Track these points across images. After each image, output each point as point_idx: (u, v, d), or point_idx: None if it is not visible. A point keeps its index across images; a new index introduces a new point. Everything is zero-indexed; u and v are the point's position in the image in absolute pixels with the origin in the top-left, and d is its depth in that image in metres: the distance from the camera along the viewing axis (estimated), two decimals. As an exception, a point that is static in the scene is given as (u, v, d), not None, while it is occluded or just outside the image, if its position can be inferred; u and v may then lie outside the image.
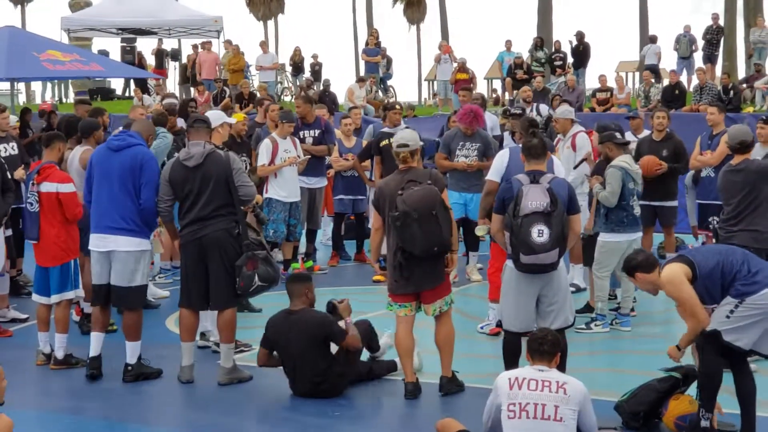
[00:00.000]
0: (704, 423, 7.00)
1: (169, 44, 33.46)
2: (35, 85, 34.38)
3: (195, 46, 30.64)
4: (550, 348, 6.40)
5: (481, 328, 10.42)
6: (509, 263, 7.91)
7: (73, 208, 9.24)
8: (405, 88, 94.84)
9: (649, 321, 11.02)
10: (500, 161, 9.86)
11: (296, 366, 8.38)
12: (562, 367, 6.98)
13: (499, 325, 8.85)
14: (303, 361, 8.32)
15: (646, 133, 13.63)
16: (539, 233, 7.54)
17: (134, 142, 8.80)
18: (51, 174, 9.30)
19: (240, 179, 8.67)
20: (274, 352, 8.53)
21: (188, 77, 29.75)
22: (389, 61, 30.61)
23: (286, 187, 12.84)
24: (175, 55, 33.90)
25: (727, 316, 6.89)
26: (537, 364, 6.41)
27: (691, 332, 7.08)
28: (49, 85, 31.55)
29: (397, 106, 14.44)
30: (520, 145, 8.66)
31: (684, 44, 27.57)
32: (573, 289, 10.00)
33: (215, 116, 9.52)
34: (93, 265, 8.91)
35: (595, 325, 10.36)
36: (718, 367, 7.04)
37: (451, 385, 8.41)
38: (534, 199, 7.60)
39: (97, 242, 8.81)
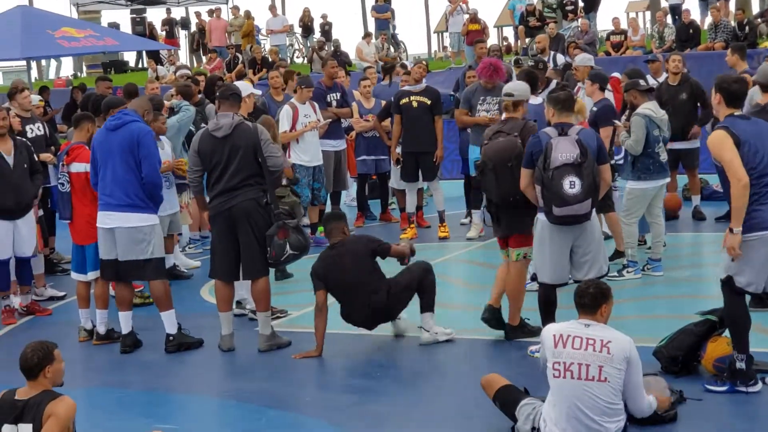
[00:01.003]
0: (739, 365, 7.03)
1: (177, 13, 33.43)
2: (53, 73, 34.35)
3: (198, 14, 30.56)
4: (591, 301, 6.28)
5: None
6: (540, 216, 7.95)
7: None
8: (413, 41, 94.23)
9: (679, 265, 11.06)
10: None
11: (352, 292, 8.60)
12: None
13: (534, 278, 8.89)
14: (359, 284, 8.55)
15: (665, 76, 13.61)
16: (571, 185, 7.56)
17: (129, 119, 8.83)
18: (80, 154, 9.38)
19: (268, 150, 8.73)
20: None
21: (198, 46, 29.68)
22: (392, 14, 30.51)
23: (308, 152, 12.88)
24: (185, 23, 33.87)
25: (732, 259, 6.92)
26: (582, 317, 6.35)
27: (735, 198, 6.83)
28: (61, 60, 31.54)
29: (420, 64, 14.31)
30: (540, 99, 8.77)
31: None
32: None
33: (241, 87, 9.59)
34: (100, 241, 8.99)
35: (627, 272, 10.40)
36: (740, 309, 7.06)
37: (516, 333, 8.62)
38: (564, 151, 7.62)
39: (104, 219, 8.88)
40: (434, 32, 57.11)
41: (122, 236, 8.81)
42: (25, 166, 10.29)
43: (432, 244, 13.12)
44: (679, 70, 13.02)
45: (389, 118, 13.81)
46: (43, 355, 5.68)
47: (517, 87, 8.78)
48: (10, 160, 10.16)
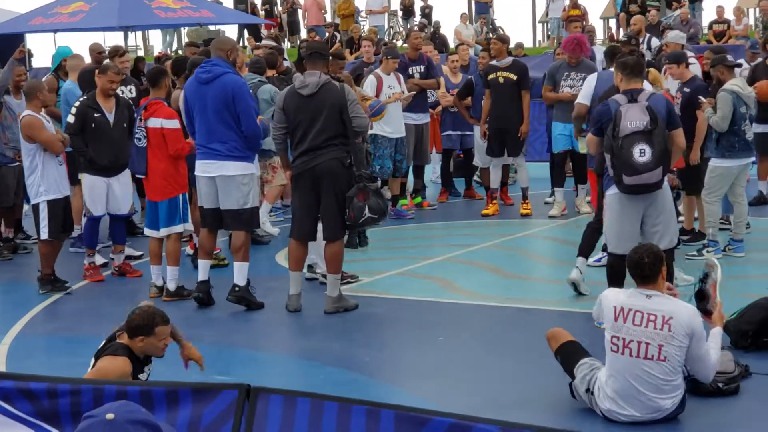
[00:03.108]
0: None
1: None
2: (154, 39, 34.81)
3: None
4: (650, 270, 6.07)
5: (597, 261, 10.10)
6: (610, 186, 7.79)
7: (175, 144, 9.37)
8: (518, 31, 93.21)
9: (763, 248, 10.75)
10: (588, 84, 10.10)
11: None
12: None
13: (605, 248, 8.72)
14: None
15: (759, 60, 13.26)
16: (641, 153, 7.39)
17: (220, 71, 8.81)
18: (158, 110, 9.44)
19: (354, 110, 8.66)
20: None
21: (284, 26, 29.52)
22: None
23: (391, 124, 12.83)
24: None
25: None
26: (642, 287, 6.12)
27: None
28: (165, 37, 31.86)
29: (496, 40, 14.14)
30: (610, 70, 8.57)
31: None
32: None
33: None
34: (200, 189, 9.04)
35: (707, 251, 10.12)
36: None
37: None
38: (633, 118, 7.44)
39: (204, 167, 8.93)
40: (539, 22, 56.71)
41: (224, 184, 8.87)
42: (125, 125, 10.40)
43: (514, 220, 13.06)
44: (780, 51, 12.68)
45: (469, 96, 13.70)
46: (143, 324, 5.64)
47: None
48: (111, 117, 10.32)
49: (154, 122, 9.42)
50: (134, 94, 12.10)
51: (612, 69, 9.94)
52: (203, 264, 9.16)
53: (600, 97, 12.19)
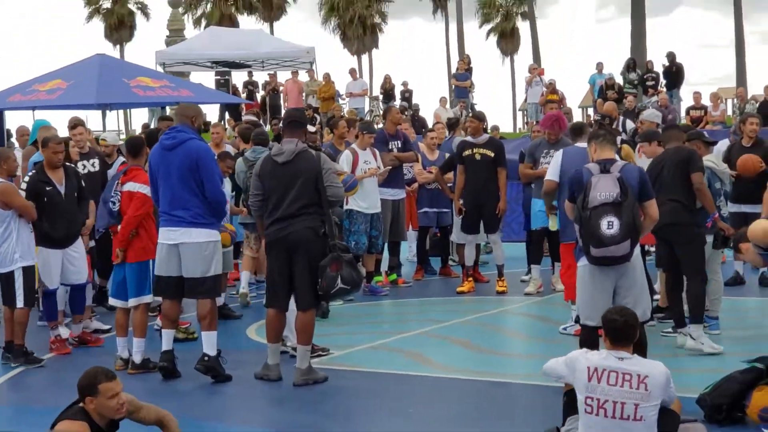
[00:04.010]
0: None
1: (261, 77, 33.81)
2: (136, 122, 34.93)
3: (273, 75, 30.79)
4: (625, 331, 6.11)
5: (564, 329, 10.26)
6: (581, 256, 7.72)
7: (137, 208, 9.28)
8: (499, 118, 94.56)
9: (740, 326, 10.68)
10: (555, 161, 10.12)
11: None
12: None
13: (577, 320, 8.63)
14: None
15: (735, 141, 13.33)
16: (609, 225, 7.33)
17: (185, 137, 8.80)
18: (137, 176, 9.39)
19: (329, 179, 8.61)
20: None
21: (266, 108, 29.74)
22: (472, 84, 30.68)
23: (367, 199, 12.78)
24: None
25: None
26: (614, 349, 6.12)
27: None
28: (147, 116, 32.02)
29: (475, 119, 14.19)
30: (575, 145, 8.70)
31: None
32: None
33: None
34: (161, 257, 8.92)
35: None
36: None
37: None
38: (603, 189, 7.40)
39: (167, 235, 8.85)
40: (519, 110, 57.30)
41: (187, 252, 8.77)
42: (76, 194, 10.33)
43: (489, 297, 12.96)
44: (756, 133, 12.70)
45: (451, 172, 13.69)
46: (87, 384, 5.52)
47: None
48: (62, 189, 10.21)
49: (130, 186, 9.35)
50: (97, 168, 12.06)
51: (577, 144, 10.07)
52: (167, 334, 9.01)
53: (528, 151, 12.38)
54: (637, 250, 7.67)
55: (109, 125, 18.93)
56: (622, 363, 6.01)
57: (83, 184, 10.52)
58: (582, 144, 10.10)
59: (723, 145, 13.11)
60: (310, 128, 10.35)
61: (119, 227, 9.41)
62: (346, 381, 8.75)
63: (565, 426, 6.35)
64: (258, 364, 8.94)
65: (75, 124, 12.40)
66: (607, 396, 5.92)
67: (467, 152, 13.02)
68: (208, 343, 8.85)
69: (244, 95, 31.11)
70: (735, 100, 29.22)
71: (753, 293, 12.78)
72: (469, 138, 13.25)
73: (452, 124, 16.45)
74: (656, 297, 10.57)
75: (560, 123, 12.07)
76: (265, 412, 8.24)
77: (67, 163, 10.65)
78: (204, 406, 8.30)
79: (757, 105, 23.76)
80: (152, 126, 28.98)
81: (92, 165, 12.05)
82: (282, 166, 8.62)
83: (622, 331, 6.12)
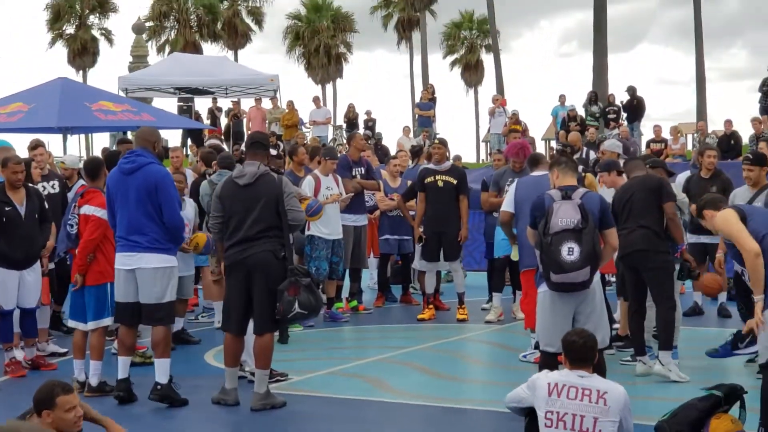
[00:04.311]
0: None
1: (225, 104, 33.75)
2: (97, 146, 34.74)
3: (236, 102, 30.76)
4: (584, 353, 6.26)
5: (524, 356, 10.27)
6: (541, 282, 7.74)
7: (91, 232, 9.19)
8: (462, 148, 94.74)
9: (698, 355, 10.64)
10: (510, 192, 10.23)
11: None
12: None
13: (537, 347, 8.64)
14: None
15: (693, 173, 13.44)
16: (569, 251, 7.37)
17: (144, 162, 8.72)
18: (93, 198, 9.30)
19: (290, 203, 8.58)
20: None
21: (230, 134, 29.74)
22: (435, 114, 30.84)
23: (328, 225, 12.74)
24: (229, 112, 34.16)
25: None
26: (575, 369, 6.22)
27: (751, 270, 6.79)
28: (109, 140, 31.89)
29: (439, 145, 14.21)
30: (531, 174, 8.98)
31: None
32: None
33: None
34: (119, 283, 8.83)
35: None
36: None
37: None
38: (564, 216, 7.45)
39: (124, 260, 8.75)
40: (482, 141, 57.57)
41: (144, 277, 8.67)
42: (36, 215, 10.24)
43: (450, 324, 12.94)
44: (714, 166, 12.82)
45: (414, 199, 13.69)
46: (43, 398, 5.42)
47: None
48: (22, 210, 10.12)
49: (86, 210, 9.26)
50: (57, 190, 11.97)
51: (533, 174, 10.13)
52: (123, 361, 8.89)
53: (492, 180, 12.46)
54: (597, 276, 7.71)
55: (70, 149, 18.71)
56: (582, 379, 6.16)
57: (46, 206, 10.42)
58: (538, 172, 10.16)
59: (682, 177, 13.21)
60: (273, 152, 10.31)
61: (77, 251, 9.33)
62: (304, 406, 8.70)
63: None
64: (216, 388, 8.87)
65: (36, 145, 12.32)
66: (566, 409, 6.05)
67: (429, 179, 13.04)
68: (161, 370, 8.75)
69: (207, 121, 31.05)
70: (695, 134, 29.59)
71: (712, 323, 12.85)
72: (431, 165, 13.27)
73: (416, 152, 16.51)
74: (616, 326, 10.59)
75: (525, 151, 12.12)
76: (221, 437, 8.16)
77: (30, 185, 10.57)
78: (160, 431, 8.19)
79: (717, 140, 23.95)
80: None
81: (52, 187, 11.95)
82: (243, 188, 8.58)
83: (581, 351, 6.23)
